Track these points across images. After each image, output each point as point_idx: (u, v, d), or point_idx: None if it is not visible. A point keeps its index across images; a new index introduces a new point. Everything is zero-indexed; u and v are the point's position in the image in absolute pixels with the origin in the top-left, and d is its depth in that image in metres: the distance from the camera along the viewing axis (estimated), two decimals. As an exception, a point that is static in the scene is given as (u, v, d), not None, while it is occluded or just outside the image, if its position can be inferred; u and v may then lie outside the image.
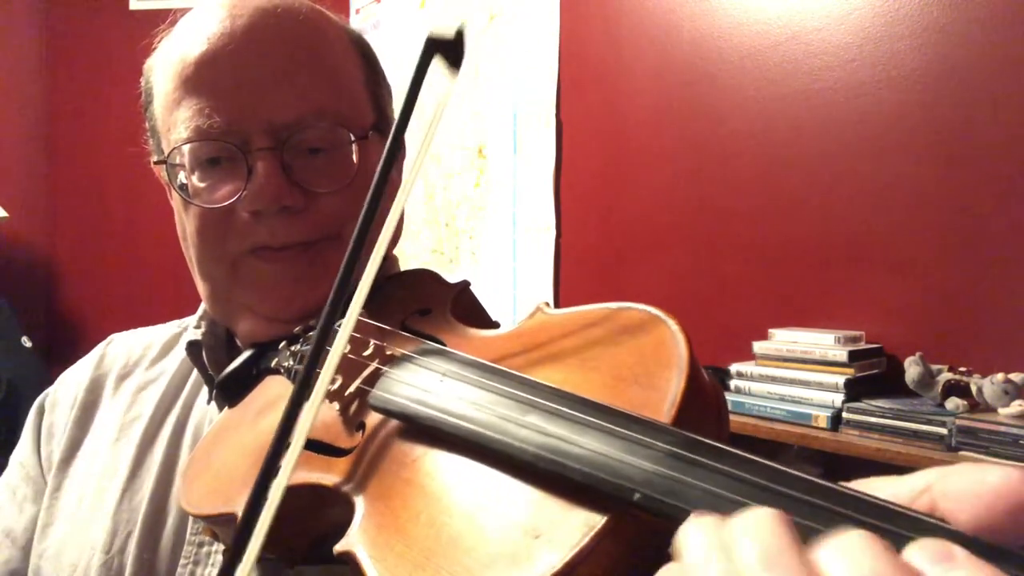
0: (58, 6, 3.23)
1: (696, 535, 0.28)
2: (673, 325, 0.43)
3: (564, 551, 0.34)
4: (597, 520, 0.35)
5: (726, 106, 2.00)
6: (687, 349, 0.41)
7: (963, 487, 0.27)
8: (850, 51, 1.78)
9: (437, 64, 0.46)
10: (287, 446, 0.41)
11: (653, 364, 0.42)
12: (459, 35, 0.46)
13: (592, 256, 2.32)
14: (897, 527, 0.27)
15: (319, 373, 0.43)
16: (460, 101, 2.60)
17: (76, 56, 3.21)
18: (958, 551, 0.24)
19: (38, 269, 3.27)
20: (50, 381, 0.84)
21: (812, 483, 0.30)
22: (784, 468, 0.32)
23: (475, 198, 2.60)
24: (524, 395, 0.41)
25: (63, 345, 3.23)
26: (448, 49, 0.46)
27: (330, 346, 0.43)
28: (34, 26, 3.22)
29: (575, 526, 0.35)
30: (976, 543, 0.25)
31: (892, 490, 0.29)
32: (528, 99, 2.42)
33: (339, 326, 0.44)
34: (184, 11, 0.72)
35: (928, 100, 1.67)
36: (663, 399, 0.39)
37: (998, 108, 1.58)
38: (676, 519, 0.30)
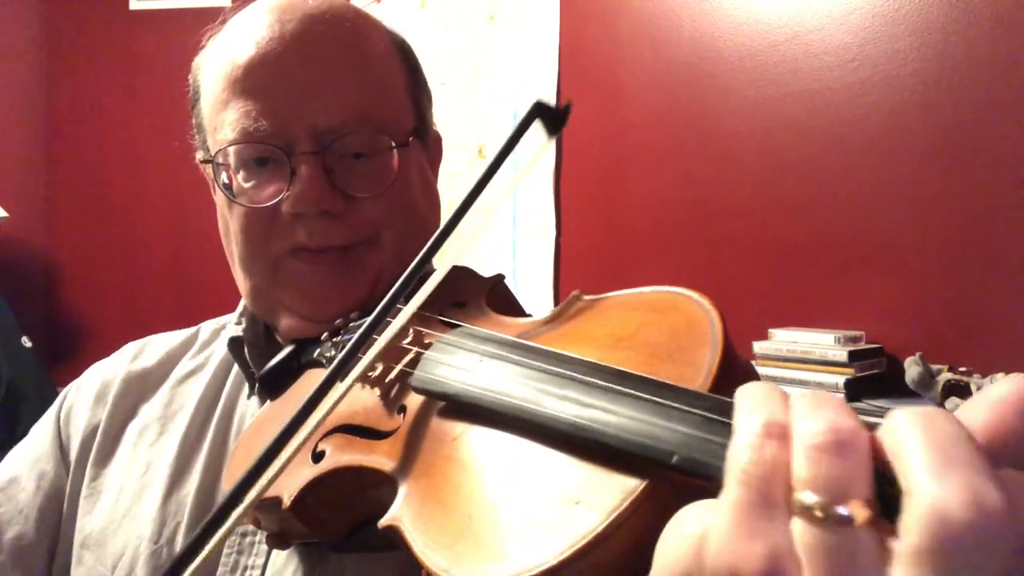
0: (58, 6, 3.23)
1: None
2: (706, 304, 0.44)
3: (603, 516, 0.35)
4: (636, 485, 0.35)
5: (726, 106, 2.00)
6: (721, 326, 0.41)
7: (976, 398, 0.29)
8: (850, 51, 1.78)
9: (537, 126, 0.51)
10: (311, 413, 0.42)
11: (687, 341, 0.42)
12: (566, 109, 0.50)
13: (592, 256, 2.32)
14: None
15: (359, 357, 0.44)
16: (460, 101, 2.60)
17: (76, 56, 3.21)
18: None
19: (38, 269, 3.26)
20: (50, 381, 0.85)
21: None
22: None
23: (475, 198, 2.59)
24: (561, 370, 0.42)
25: (63, 345, 3.23)
26: (551, 118, 0.51)
27: (376, 335, 0.45)
28: (34, 26, 3.22)
29: (614, 492, 0.36)
30: None
31: None
32: (528, 99, 2.41)
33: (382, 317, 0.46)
34: (234, 10, 0.74)
35: (928, 100, 1.67)
36: (697, 374, 0.39)
37: (998, 108, 1.58)
38: (714, 478, 0.30)
